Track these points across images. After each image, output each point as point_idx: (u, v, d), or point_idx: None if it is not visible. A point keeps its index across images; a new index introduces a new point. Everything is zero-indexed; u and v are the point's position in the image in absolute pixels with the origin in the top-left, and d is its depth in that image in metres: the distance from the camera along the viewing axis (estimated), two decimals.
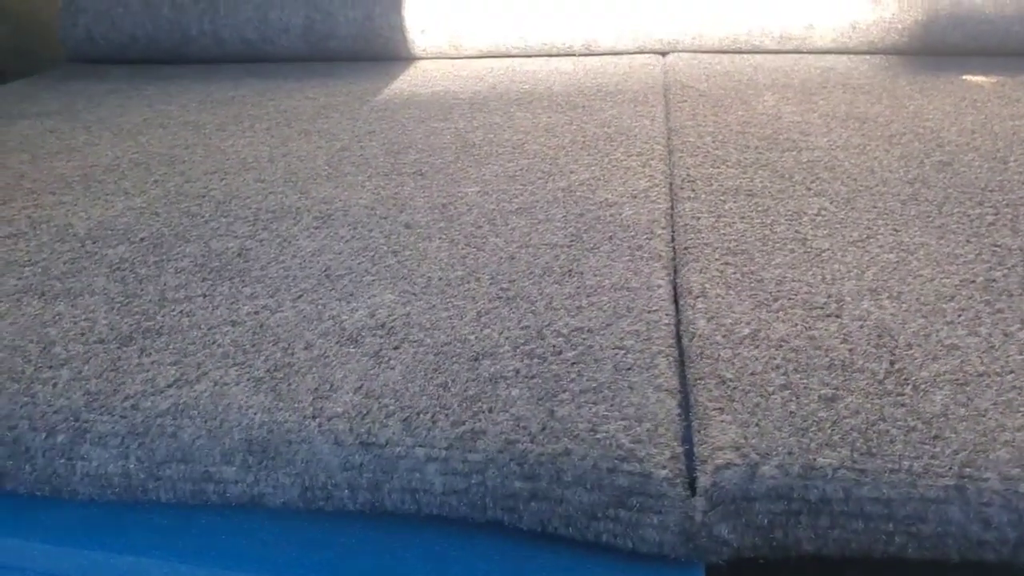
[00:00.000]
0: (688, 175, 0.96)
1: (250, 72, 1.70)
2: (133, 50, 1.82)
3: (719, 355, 0.60)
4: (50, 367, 0.62)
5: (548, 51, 1.69)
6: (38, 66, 1.95)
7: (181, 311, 0.70)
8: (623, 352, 0.60)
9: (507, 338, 0.63)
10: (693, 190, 0.91)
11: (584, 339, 0.62)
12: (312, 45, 1.74)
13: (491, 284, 0.72)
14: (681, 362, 0.61)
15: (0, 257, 0.82)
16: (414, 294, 0.71)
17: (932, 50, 1.56)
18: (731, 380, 0.57)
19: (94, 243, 0.85)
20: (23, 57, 2.21)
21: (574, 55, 1.68)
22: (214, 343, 0.64)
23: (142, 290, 0.74)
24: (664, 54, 1.66)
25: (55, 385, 0.59)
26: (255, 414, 0.54)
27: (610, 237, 0.80)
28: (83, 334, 0.66)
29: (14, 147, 1.21)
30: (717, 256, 0.75)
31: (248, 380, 0.59)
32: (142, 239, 0.86)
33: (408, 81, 1.55)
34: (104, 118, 1.37)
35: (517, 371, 0.58)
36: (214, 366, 0.61)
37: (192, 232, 0.87)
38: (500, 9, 1.65)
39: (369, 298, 0.70)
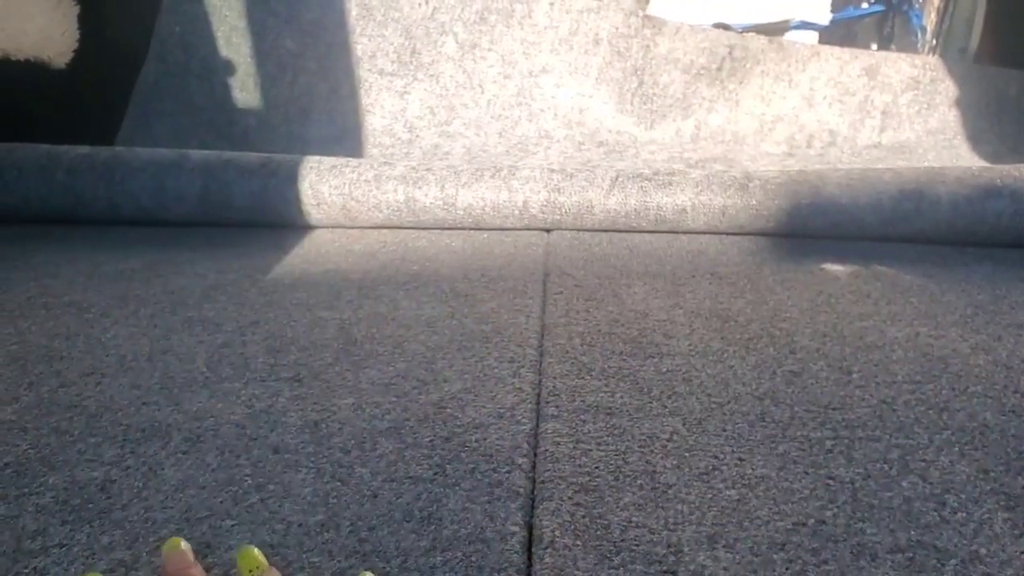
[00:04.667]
0: (555, 387, 1.00)
1: (143, 239, 1.71)
2: (26, 212, 1.81)
3: None
4: None
5: (440, 225, 1.75)
6: None
7: (34, 568, 0.69)
8: None
9: None
10: (557, 407, 0.95)
11: None
12: (208, 213, 1.76)
13: (350, 533, 0.73)
14: None
15: None
16: (272, 546, 0.72)
17: (795, 233, 1.69)
18: None
19: None
20: None
21: (464, 229, 1.75)
22: None
23: None
24: (548, 231, 1.75)
25: None
26: None
27: (472, 470, 0.83)
28: None
29: None
30: (570, 495, 0.78)
31: None
32: (6, 464, 0.85)
33: (300, 256, 1.58)
34: None
35: None
36: None
37: (59, 456, 0.87)
38: (393, 186, 1.72)
39: (226, 551, 0.71)
